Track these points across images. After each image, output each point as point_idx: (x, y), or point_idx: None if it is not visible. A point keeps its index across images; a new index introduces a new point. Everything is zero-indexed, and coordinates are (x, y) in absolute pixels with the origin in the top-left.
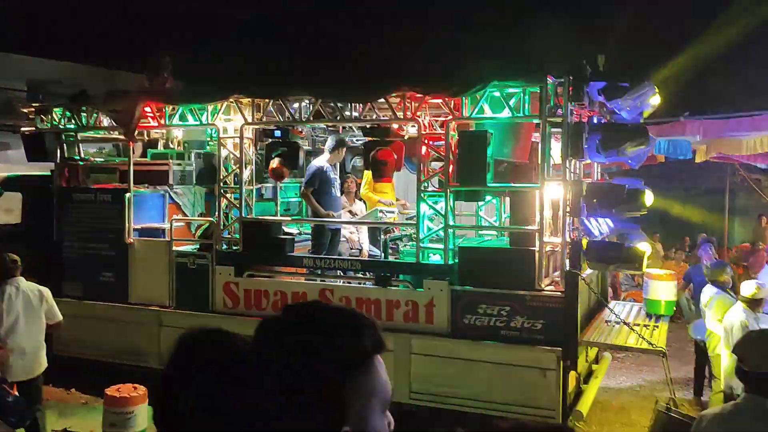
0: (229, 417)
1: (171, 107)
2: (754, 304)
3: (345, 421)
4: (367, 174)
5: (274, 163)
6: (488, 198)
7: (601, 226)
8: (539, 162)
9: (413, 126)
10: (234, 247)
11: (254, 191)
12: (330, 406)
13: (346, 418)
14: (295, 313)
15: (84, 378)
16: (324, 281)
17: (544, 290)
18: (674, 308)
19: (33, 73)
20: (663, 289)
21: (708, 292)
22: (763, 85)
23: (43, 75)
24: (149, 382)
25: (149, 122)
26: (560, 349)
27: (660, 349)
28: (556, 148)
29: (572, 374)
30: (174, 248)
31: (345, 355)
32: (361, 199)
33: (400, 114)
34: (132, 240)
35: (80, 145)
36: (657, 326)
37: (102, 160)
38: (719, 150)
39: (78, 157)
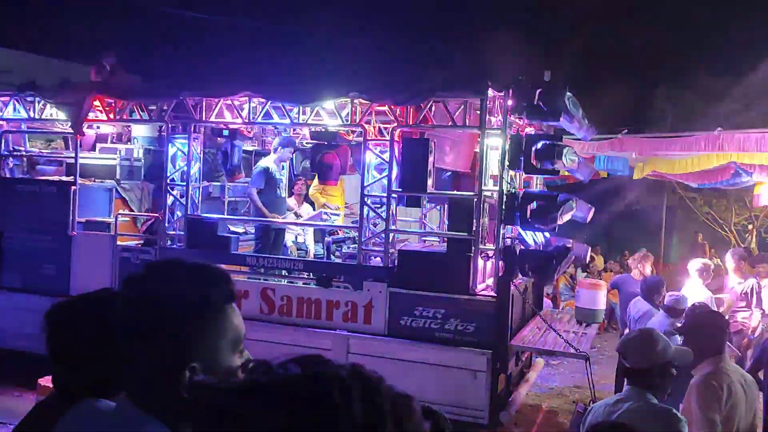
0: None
1: (122, 103)
2: (675, 312)
3: (192, 358)
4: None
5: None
6: (432, 205)
7: (536, 236)
8: (484, 172)
9: (360, 131)
10: (179, 244)
11: (200, 189)
12: (172, 344)
13: (193, 355)
14: (155, 268)
15: (19, 371)
16: (266, 280)
17: (477, 295)
18: (603, 316)
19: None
20: (592, 298)
21: (641, 306)
22: (703, 107)
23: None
24: None
25: (98, 116)
26: (491, 351)
27: (583, 354)
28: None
29: (502, 376)
30: (118, 243)
31: (191, 301)
32: (311, 202)
33: (347, 119)
34: (75, 233)
35: (27, 136)
36: (585, 333)
37: (48, 152)
38: (654, 168)
39: (23, 149)
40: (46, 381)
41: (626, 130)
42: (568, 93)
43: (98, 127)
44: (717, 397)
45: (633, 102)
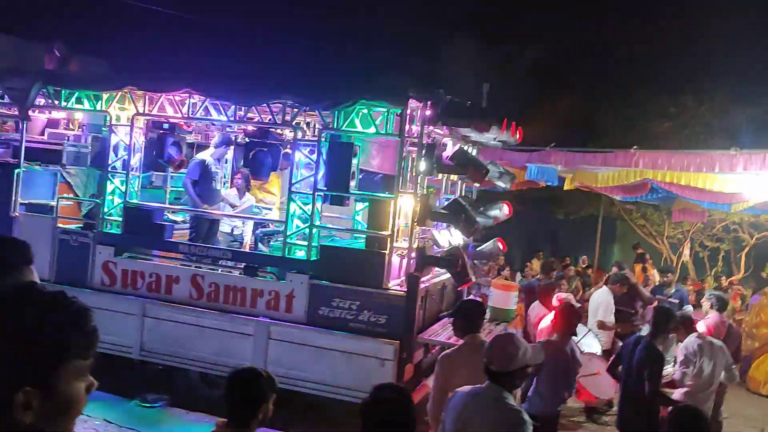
0: None
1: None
2: None
3: None
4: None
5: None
6: (365, 204)
7: (452, 237)
8: (401, 176)
9: (291, 132)
10: (116, 230)
11: (140, 178)
12: None
13: None
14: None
15: None
16: (198, 267)
17: (389, 289)
18: (513, 316)
19: None
20: (504, 298)
21: (538, 310)
22: (643, 123)
23: None
24: None
25: (43, 102)
26: (398, 342)
27: None
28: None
29: (410, 366)
30: (58, 225)
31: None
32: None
33: (280, 119)
34: (18, 214)
35: None
36: (492, 329)
37: None
38: (581, 180)
39: None
40: None
41: (554, 143)
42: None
43: (49, 112)
44: None
45: (579, 117)
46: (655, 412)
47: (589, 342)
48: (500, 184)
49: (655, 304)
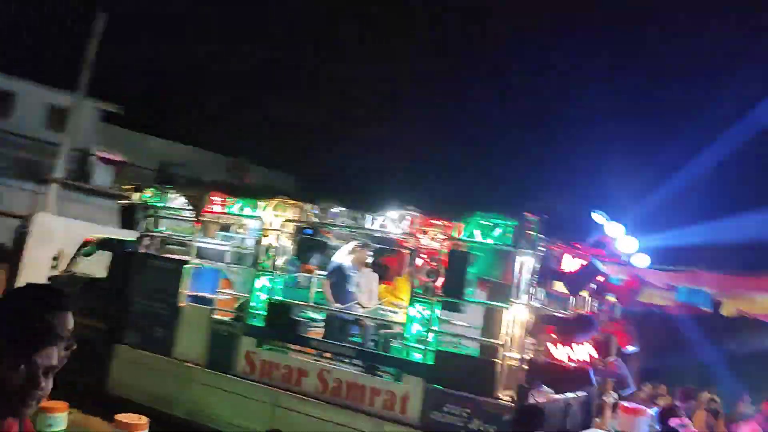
0: None
1: (233, 199)
2: None
3: None
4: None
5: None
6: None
7: (575, 353)
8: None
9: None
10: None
11: (284, 278)
12: None
13: None
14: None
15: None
16: (327, 363)
17: (500, 399)
18: None
19: (162, 155)
20: (632, 423)
21: None
22: None
23: (170, 158)
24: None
25: (214, 208)
26: None
27: None
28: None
29: None
30: (214, 316)
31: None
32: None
33: (404, 229)
34: (183, 304)
35: (161, 220)
36: None
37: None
38: (740, 305)
39: (158, 230)
40: (123, 417)
41: (703, 264)
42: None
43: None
44: None
45: None
46: None
47: None
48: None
49: None
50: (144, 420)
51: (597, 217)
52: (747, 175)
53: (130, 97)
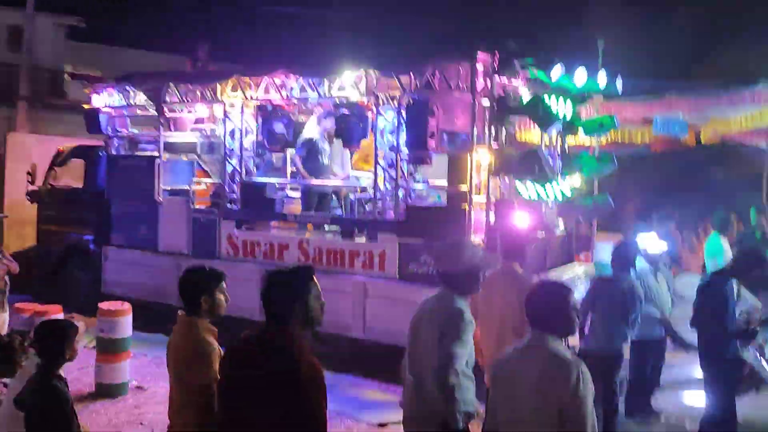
0: None
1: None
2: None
3: None
4: (362, 146)
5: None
6: None
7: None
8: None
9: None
10: (237, 206)
11: (253, 158)
12: None
13: None
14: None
15: None
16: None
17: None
18: None
19: (136, 65)
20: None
21: None
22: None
23: (145, 68)
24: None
25: (175, 99)
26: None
27: None
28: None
29: None
30: (193, 206)
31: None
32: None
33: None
34: (161, 199)
35: (128, 119)
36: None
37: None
38: (717, 128)
39: (125, 131)
40: (106, 305)
41: (673, 90)
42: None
43: (195, 111)
44: None
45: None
46: None
47: None
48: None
49: None
50: (126, 306)
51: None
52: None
53: (92, 11)
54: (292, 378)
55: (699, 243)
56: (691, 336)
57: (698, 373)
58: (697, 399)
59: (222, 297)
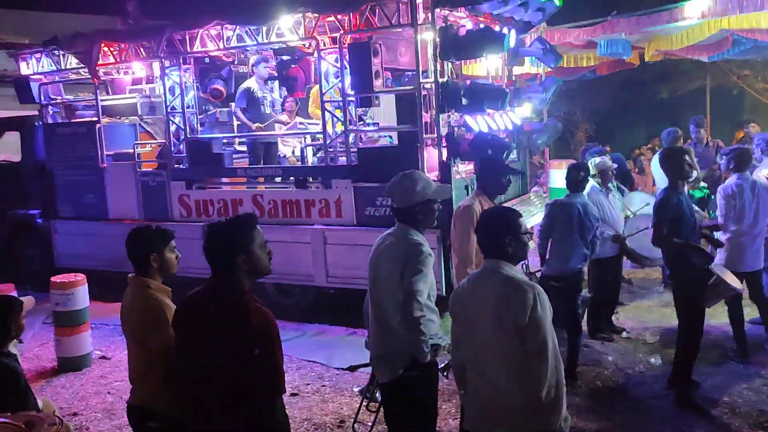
0: None
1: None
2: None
3: None
4: (312, 92)
5: (214, 85)
6: None
7: (492, 123)
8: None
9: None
10: (184, 165)
11: (197, 115)
12: None
13: None
14: None
15: None
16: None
17: None
18: None
19: (66, 29)
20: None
21: None
22: None
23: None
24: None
25: (109, 60)
26: (439, 230)
27: None
28: None
29: None
30: (140, 169)
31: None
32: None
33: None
34: (105, 165)
35: (62, 86)
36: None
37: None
38: (658, 47)
39: (60, 98)
40: (59, 278)
41: (616, 12)
42: None
43: (133, 72)
44: None
45: None
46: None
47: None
48: (545, 62)
49: None
50: (80, 277)
51: None
52: None
53: None
54: (243, 330)
55: (648, 163)
56: (647, 252)
57: (658, 288)
58: (657, 315)
59: (172, 255)
